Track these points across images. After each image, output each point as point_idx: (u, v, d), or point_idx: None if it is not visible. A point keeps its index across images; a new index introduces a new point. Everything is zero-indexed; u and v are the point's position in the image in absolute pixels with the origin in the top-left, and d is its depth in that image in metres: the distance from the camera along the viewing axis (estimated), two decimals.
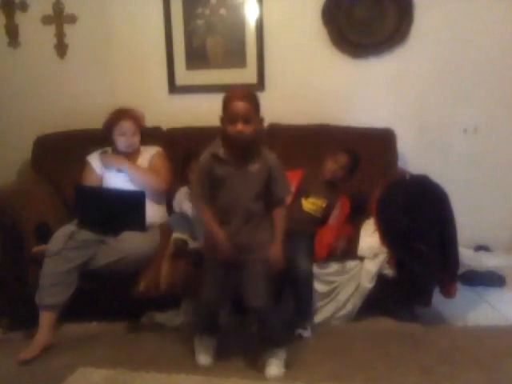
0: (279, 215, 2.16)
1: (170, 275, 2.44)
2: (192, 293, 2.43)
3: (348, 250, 2.58)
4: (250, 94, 2.10)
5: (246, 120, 2.02)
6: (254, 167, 2.10)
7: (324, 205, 2.72)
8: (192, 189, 2.22)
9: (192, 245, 2.56)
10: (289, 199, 2.49)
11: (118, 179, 2.78)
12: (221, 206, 2.12)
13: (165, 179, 2.84)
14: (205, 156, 2.13)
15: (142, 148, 2.95)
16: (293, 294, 2.48)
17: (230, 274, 2.15)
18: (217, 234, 2.09)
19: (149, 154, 2.92)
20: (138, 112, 2.91)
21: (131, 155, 2.88)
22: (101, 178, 2.83)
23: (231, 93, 2.09)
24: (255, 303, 2.12)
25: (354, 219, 2.76)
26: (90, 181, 2.82)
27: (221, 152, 2.09)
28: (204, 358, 2.24)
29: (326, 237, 2.58)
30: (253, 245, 2.12)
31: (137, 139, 2.87)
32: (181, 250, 2.53)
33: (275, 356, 2.17)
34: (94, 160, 2.87)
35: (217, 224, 2.10)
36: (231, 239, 2.09)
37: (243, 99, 2.03)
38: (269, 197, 2.14)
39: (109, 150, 2.90)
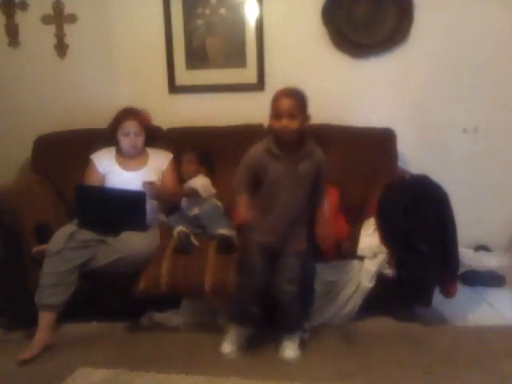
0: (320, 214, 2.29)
1: (171, 274, 2.44)
2: (193, 291, 2.44)
3: (352, 250, 2.57)
4: (296, 91, 2.20)
5: (291, 116, 2.12)
6: (304, 166, 2.19)
7: None
8: (235, 175, 2.29)
9: (195, 241, 2.59)
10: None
11: (120, 179, 2.78)
12: (266, 202, 2.22)
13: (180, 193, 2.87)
14: (256, 149, 2.22)
15: (149, 150, 2.94)
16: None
17: (268, 261, 2.25)
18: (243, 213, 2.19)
19: (160, 162, 2.91)
20: (143, 112, 2.91)
21: (140, 159, 2.88)
22: (103, 177, 2.83)
23: (279, 90, 2.21)
24: (285, 288, 2.26)
25: (353, 218, 2.76)
26: (92, 180, 2.81)
27: (273, 148, 2.18)
28: (230, 348, 2.29)
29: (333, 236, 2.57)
30: (291, 235, 2.24)
31: (141, 140, 2.86)
32: (184, 245, 2.53)
33: (291, 340, 2.29)
34: (98, 159, 2.87)
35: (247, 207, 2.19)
36: (271, 226, 2.22)
37: (289, 96, 2.15)
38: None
39: (112, 151, 2.90)
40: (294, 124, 2.13)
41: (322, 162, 2.24)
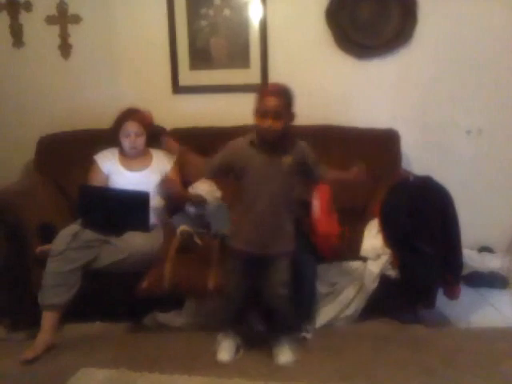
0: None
1: (174, 272, 2.43)
2: (196, 291, 2.43)
3: (343, 249, 2.55)
4: (283, 89, 2.15)
5: (276, 116, 2.08)
6: (288, 158, 2.15)
7: None
8: (207, 163, 2.26)
9: (198, 241, 2.58)
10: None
11: (124, 179, 2.79)
12: (249, 196, 2.17)
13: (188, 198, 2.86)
14: (239, 141, 2.19)
15: (153, 151, 2.94)
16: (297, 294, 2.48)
17: (254, 265, 2.21)
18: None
19: (163, 163, 2.90)
20: (145, 113, 2.91)
21: (143, 159, 2.89)
22: (107, 178, 2.83)
23: (265, 87, 2.19)
24: (277, 292, 2.22)
25: (356, 220, 2.75)
26: (96, 180, 2.82)
27: (257, 141, 2.15)
28: (224, 355, 2.26)
29: (327, 233, 2.54)
30: (278, 237, 2.19)
31: (141, 140, 2.86)
32: (187, 244, 2.53)
33: (286, 343, 2.27)
34: (101, 159, 2.88)
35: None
36: (256, 227, 2.16)
37: (275, 95, 2.09)
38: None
39: (115, 152, 2.90)
40: (278, 124, 2.08)
41: (304, 151, 2.20)
